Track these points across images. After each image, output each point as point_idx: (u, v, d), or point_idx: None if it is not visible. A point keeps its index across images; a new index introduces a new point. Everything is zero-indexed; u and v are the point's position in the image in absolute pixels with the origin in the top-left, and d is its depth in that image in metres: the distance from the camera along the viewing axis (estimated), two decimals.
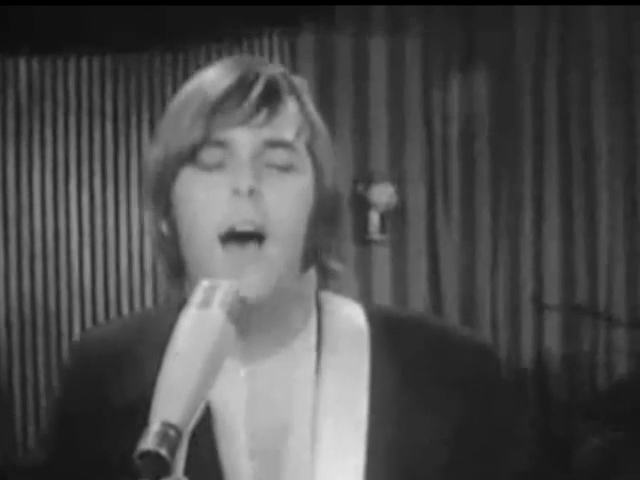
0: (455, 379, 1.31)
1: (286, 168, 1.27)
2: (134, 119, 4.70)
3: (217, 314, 1.14)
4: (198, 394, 1.11)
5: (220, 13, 4.44)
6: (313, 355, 1.33)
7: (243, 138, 1.26)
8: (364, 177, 4.91)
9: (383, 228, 4.92)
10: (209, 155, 1.27)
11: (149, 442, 1.05)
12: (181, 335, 1.14)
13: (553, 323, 4.98)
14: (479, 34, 4.92)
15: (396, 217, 4.92)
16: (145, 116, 4.71)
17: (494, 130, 4.97)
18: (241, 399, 1.29)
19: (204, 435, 1.25)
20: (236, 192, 1.24)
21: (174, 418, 1.07)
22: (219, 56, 4.69)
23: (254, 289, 1.23)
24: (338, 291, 4.63)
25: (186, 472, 1.17)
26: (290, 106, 1.29)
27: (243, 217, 1.24)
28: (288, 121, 1.28)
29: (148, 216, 1.33)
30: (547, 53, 4.96)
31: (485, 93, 4.96)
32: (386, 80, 4.94)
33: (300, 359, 1.32)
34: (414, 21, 4.91)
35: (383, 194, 4.88)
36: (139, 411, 1.20)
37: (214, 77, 1.30)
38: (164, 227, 1.31)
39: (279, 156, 1.27)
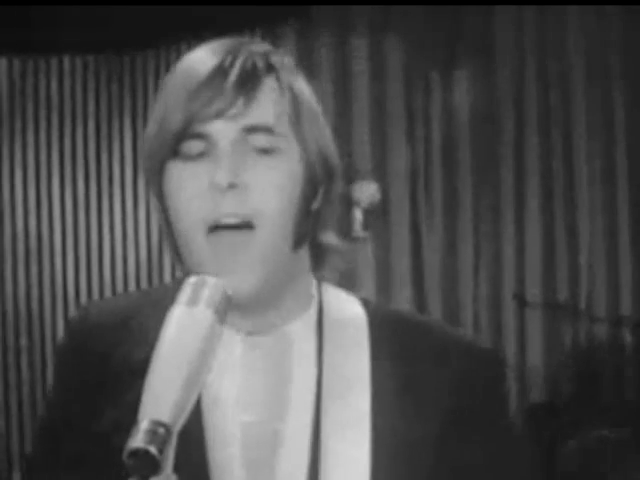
0: (452, 380, 1.31)
1: (270, 152, 1.27)
2: (116, 119, 4.73)
3: (205, 312, 1.15)
4: (187, 392, 1.12)
5: (203, 13, 4.46)
6: (313, 340, 1.33)
7: (222, 129, 1.26)
8: (346, 174, 4.94)
9: (366, 225, 4.97)
10: (190, 147, 1.27)
11: (138, 440, 1.06)
12: (169, 333, 1.14)
13: (535, 320, 5.03)
14: (460, 36, 4.99)
15: (379, 214, 4.98)
16: (127, 116, 4.73)
17: (475, 130, 5.02)
18: (236, 371, 1.29)
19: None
20: (216, 186, 1.24)
21: (164, 416, 1.08)
22: None
23: (246, 282, 1.24)
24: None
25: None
26: (268, 88, 1.28)
27: (226, 211, 1.24)
28: (267, 104, 1.27)
29: (154, 203, 1.35)
30: (526, 57, 5.03)
31: (466, 94, 5.02)
32: (368, 79, 5.00)
33: (299, 342, 1.32)
34: (395, 21, 4.96)
35: (366, 191, 4.93)
36: (140, 376, 1.22)
37: (194, 64, 1.30)
38: (162, 215, 1.32)
39: (261, 141, 1.26)
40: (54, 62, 4.64)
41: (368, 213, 4.97)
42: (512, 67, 5.05)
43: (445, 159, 5.06)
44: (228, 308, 1.18)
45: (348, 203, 4.94)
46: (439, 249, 5.06)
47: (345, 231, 4.94)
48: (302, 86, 1.31)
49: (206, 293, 1.16)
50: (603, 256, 5.09)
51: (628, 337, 5.02)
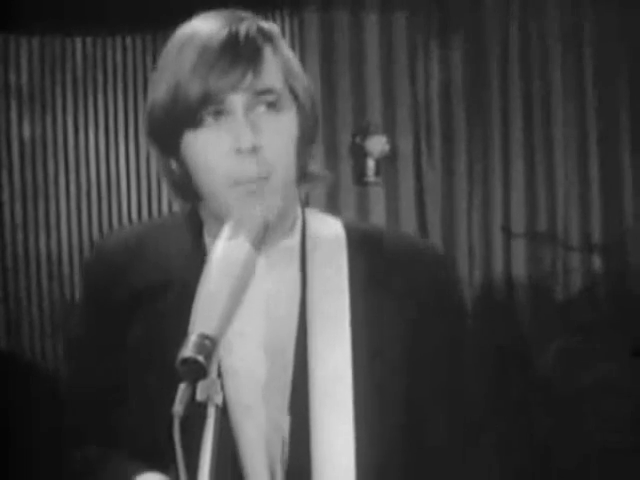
0: (412, 283, 1.38)
1: (274, 109, 1.32)
2: None
3: (243, 242, 1.22)
4: (229, 309, 1.18)
5: None
6: (297, 255, 1.39)
7: (236, 99, 1.31)
8: (361, 129, 5.16)
9: (378, 172, 5.20)
10: (209, 116, 1.31)
11: (189, 350, 1.13)
12: (214, 262, 1.21)
13: (519, 247, 5.26)
14: (453, 11, 5.22)
15: (388, 162, 5.23)
16: None
17: (467, 88, 5.25)
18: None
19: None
20: (239, 151, 1.29)
21: (209, 330, 1.15)
22: None
23: (262, 217, 1.27)
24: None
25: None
26: (268, 56, 1.33)
27: (248, 174, 1.30)
28: (269, 71, 1.33)
29: (155, 152, 1.39)
30: (510, 24, 5.23)
31: (459, 58, 5.25)
32: (378, 49, 5.20)
33: (286, 258, 1.37)
34: (400, 1, 5.21)
35: (377, 143, 5.13)
36: (159, 294, 1.35)
37: (202, 35, 1.31)
38: (174, 165, 1.37)
39: (267, 101, 1.32)
40: (118, 41, 5.03)
41: (379, 161, 5.14)
42: (497, 32, 5.20)
43: (442, 114, 5.21)
44: (263, 239, 1.26)
45: (362, 154, 5.12)
46: (439, 189, 5.19)
47: (360, 177, 5.23)
48: (288, 51, 1.38)
49: (244, 229, 1.24)
50: (576, 191, 5.30)
51: (597, 262, 5.30)
